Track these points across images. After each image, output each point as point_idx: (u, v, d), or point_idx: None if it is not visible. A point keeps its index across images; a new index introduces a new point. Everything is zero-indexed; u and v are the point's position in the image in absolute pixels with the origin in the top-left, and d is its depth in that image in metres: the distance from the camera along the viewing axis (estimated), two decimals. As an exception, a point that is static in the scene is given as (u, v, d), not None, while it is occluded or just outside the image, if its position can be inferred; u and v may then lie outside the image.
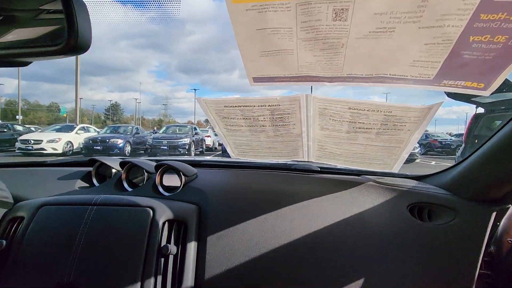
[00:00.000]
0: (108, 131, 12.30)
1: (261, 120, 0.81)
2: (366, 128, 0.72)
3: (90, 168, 0.97)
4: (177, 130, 11.82)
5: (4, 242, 0.66)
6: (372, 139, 0.74)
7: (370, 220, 0.73)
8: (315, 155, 0.94)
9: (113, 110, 62.23)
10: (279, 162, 1.11)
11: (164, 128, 12.80)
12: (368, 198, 0.78)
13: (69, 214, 0.69)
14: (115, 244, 0.64)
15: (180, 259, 0.67)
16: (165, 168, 0.89)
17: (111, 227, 0.66)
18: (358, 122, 0.71)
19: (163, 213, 0.71)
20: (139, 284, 0.61)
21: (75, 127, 12.12)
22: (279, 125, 0.82)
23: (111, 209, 0.69)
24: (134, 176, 0.96)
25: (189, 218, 0.73)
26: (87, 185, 0.95)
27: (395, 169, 0.82)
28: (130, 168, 0.94)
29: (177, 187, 0.87)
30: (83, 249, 0.63)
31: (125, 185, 0.92)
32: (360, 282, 0.65)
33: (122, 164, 0.92)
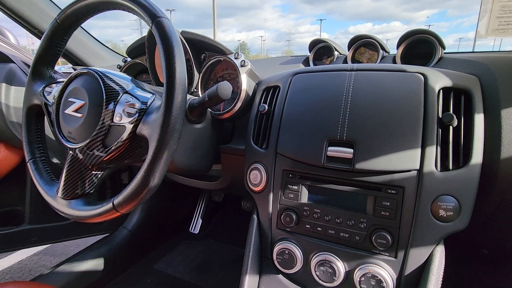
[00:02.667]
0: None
1: None
2: None
3: (307, 55, 0.95)
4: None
5: (266, 106, 0.71)
6: None
7: None
8: None
9: (241, 50, 66.81)
10: None
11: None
12: None
13: (327, 79, 0.66)
14: (387, 108, 0.58)
15: (465, 132, 0.55)
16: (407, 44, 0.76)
17: (378, 91, 0.60)
18: None
19: (438, 80, 0.59)
20: (419, 150, 0.54)
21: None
22: None
23: (374, 74, 0.62)
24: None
25: (473, 87, 0.58)
26: None
27: None
28: (357, 48, 0.85)
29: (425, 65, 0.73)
30: (352, 109, 0.60)
31: (350, 62, 0.85)
32: None
33: (350, 43, 0.85)
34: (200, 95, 0.85)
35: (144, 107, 0.56)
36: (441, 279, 0.53)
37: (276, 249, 0.65)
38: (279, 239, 0.66)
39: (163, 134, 0.48)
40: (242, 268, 0.65)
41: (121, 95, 0.56)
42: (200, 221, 1.64)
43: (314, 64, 0.95)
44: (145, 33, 0.85)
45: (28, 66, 1.05)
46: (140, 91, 0.60)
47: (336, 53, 0.89)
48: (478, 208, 0.55)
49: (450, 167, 0.54)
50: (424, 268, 0.54)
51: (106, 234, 1.36)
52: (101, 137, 0.55)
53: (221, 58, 0.81)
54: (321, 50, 0.94)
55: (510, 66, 0.59)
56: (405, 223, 0.55)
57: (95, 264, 1.19)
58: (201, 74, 0.84)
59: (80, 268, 1.14)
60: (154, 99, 0.59)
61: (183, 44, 0.80)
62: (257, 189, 0.70)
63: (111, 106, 0.55)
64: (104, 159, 0.56)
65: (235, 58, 0.77)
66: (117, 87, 0.57)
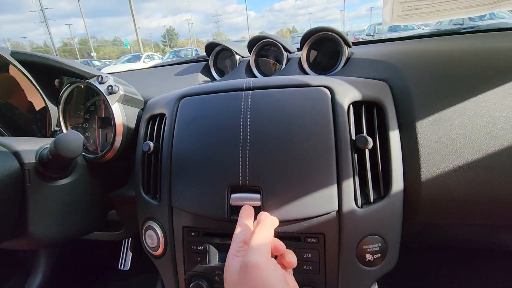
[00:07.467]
0: (170, 57, 12.76)
1: None
2: None
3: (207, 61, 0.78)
4: (183, 54, 12.61)
5: (152, 143, 0.54)
6: None
7: None
8: None
9: (169, 36, 62.64)
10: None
11: (168, 54, 13.64)
12: None
13: (220, 103, 0.52)
14: (293, 137, 0.46)
15: (382, 153, 0.47)
16: (311, 44, 0.65)
17: (281, 116, 0.47)
18: None
19: (346, 93, 0.48)
20: (335, 187, 0.44)
21: (141, 56, 12.60)
22: None
23: (273, 93, 0.50)
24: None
25: (384, 97, 0.49)
26: (209, 79, 0.78)
27: None
28: (259, 51, 0.72)
29: (333, 66, 0.63)
30: (253, 144, 0.47)
31: (255, 70, 0.72)
32: None
33: (250, 47, 0.71)
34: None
35: None
36: None
37: None
38: (192, 314, 0.52)
39: None
40: None
41: None
42: (130, 254, 1.42)
43: (216, 71, 0.79)
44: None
45: None
46: None
47: (237, 57, 0.74)
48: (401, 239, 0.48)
49: (371, 199, 0.45)
50: None
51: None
52: None
53: (80, 84, 0.60)
54: (221, 53, 0.79)
55: (422, 65, 0.52)
56: (331, 276, 0.45)
57: None
58: (60, 106, 0.62)
59: None
60: None
61: (19, 69, 0.57)
62: (156, 253, 0.55)
63: None
64: None
65: (100, 83, 0.57)
66: None
